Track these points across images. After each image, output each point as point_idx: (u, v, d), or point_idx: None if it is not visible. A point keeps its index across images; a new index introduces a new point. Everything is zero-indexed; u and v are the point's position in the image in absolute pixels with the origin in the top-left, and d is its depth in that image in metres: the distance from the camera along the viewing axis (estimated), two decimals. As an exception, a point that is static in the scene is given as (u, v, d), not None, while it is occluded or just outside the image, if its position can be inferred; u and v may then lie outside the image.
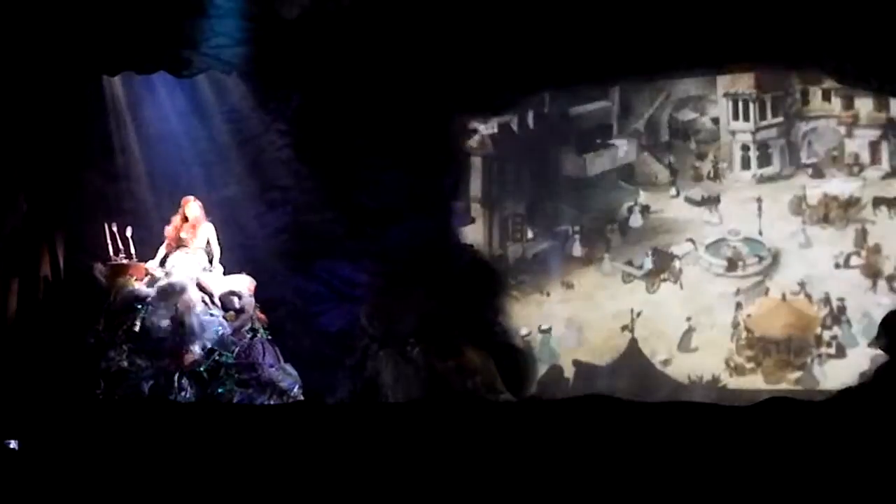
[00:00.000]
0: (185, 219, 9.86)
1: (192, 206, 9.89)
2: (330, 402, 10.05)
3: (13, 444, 6.02)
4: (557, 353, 10.82)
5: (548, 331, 10.87)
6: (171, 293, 9.50)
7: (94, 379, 9.19)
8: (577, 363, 10.78)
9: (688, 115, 10.77)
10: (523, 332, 10.91)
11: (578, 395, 10.16)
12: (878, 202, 10.06)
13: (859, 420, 5.46)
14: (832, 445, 5.22)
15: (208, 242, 9.93)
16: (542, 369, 10.81)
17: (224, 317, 9.69)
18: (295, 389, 9.58)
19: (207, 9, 9.75)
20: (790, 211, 10.35)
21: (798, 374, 10.09)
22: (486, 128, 11.13)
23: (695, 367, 10.43)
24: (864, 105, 10.13)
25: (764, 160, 10.50)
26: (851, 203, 10.13)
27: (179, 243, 9.85)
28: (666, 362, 10.51)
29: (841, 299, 10.04)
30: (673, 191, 10.78)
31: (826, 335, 10.08)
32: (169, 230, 9.91)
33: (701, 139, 10.75)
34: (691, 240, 10.66)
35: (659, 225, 10.78)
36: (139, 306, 9.49)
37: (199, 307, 9.53)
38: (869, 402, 6.25)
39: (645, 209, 10.85)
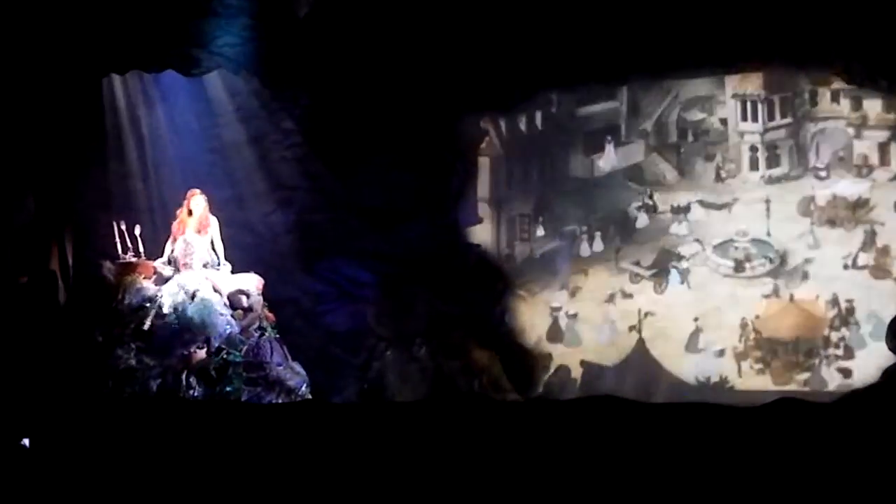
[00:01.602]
0: (190, 212, 9.88)
1: (198, 200, 9.90)
2: (337, 401, 10.06)
3: (25, 443, 6.03)
4: (581, 340, 10.81)
5: (574, 316, 10.87)
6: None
7: (103, 377, 9.22)
8: (584, 363, 10.77)
9: (696, 115, 10.75)
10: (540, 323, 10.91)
11: (585, 395, 10.22)
12: (887, 203, 10.06)
13: (868, 421, 5.45)
14: (841, 446, 5.21)
15: (211, 240, 9.96)
16: (556, 362, 10.78)
17: (232, 315, 9.71)
18: (302, 388, 9.60)
19: (216, 8, 9.77)
20: (798, 212, 10.34)
21: (806, 375, 10.08)
22: (493, 128, 11.10)
23: (702, 367, 10.43)
24: (873, 106, 10.11)
25: (773, 161, 10.49)
26: (860, 204, 10.12)
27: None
28: (673, 363, 10.50)
29: (849, 300, 10.02)
30: (680, 191, 10.77)
31: (834, 336, 10.07)
32: (174, 225, 9.94)
33: (709, 140, 10.73)
34: (699, 240, 10.65)
35: (666, 225, 10.77)
36: (147, 304, 9.52)
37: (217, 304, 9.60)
38: (877, 404, 6.23)
39: (652, 209, 10.84)
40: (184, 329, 9.43)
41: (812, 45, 9.68)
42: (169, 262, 9.87)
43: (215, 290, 9.73)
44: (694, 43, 9.93)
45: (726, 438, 5.38)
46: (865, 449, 5.11)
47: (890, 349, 9.24)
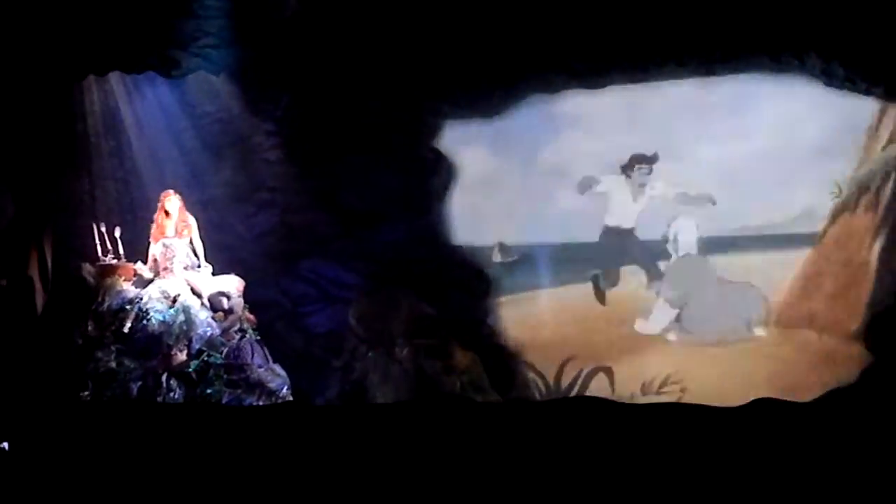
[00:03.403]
0: (167, 214, 9.87)
1: (173, 201, 9.90)
2: (318, 402, 10.06)
3: (4, 446, 6.00)
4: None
5: None
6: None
7: (83, 380, 9.18)
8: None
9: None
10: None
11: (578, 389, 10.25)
12: None
13: (846, 420, 5.50)
14: (819, 446, 5.26)
15: (191, 241, 9.94)
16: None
17: (213, 317, 9.70)
18: (283, 390, 9.59)
19: (196, 9, 9.74)
20: None
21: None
22: (474, 131, 11.07)
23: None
24: None
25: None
26: None
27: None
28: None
29: None
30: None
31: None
32: (153, 229, 9.92)
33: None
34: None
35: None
36: (128, 307, 9.50)
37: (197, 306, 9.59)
38: (855, 402, 6.29)
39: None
40: (164, 331, 9.41)
41: (790, 47, 9.72)
42: (154, 273, 9.85)
43: (195, 293, 9.72)
44: (673, 47, 9.96)
45: (706, 438, 5.42)
46: (843, 448, 5.16)
47: (867, 349, 9.32)
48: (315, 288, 10.97)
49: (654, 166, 10.47)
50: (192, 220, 9.94)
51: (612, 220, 10.64)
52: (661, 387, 10.24)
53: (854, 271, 10.01)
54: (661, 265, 10.58)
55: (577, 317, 10.71)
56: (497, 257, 10.81)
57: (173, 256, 9.81)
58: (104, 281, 9.71)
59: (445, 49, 10.23)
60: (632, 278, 10.67)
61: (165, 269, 9.78)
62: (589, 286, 10.68)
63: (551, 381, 10.60)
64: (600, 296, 10.64)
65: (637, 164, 10.49)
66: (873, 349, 9.50)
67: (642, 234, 10.61)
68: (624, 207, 10.62)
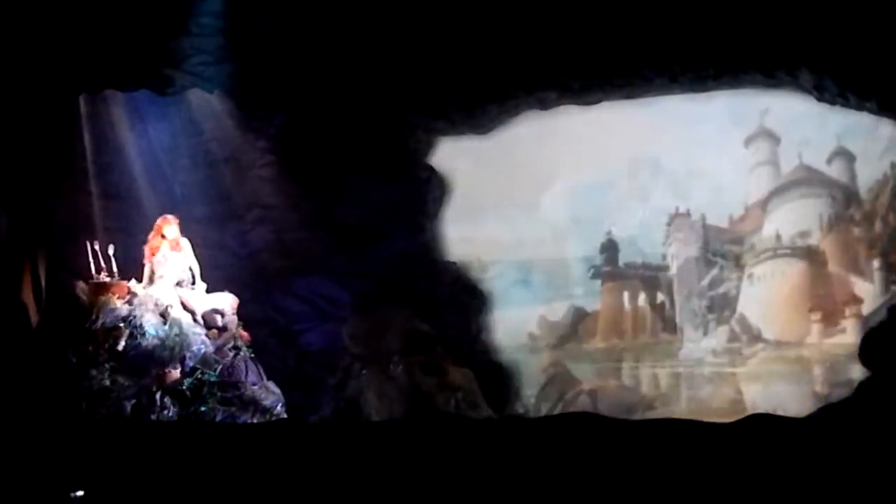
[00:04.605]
0: (163, 237, 9.86)
1: (171, 228, 9.89)
2: (313, 420, 10.03)
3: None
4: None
5: None
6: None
7: (77, 398, 9.14)
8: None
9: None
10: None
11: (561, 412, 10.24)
12: None
13: (841, 435, 5.50)
14: (813, 460, 5.25)
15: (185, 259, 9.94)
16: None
17: (207, 335, 9.68)
18: (278, 408, 9.56)
19: (190, 27, 9.76)
20: None
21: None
22: (468, 147, 11.10)
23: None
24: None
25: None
26: None
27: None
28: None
29: None
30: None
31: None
32: (147, 249, 9.91)
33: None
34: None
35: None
36: (121, 325, 9.48)
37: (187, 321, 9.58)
38: (850, 417, 6.29)
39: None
40: (158, 349, 9.39)
41: (782, 63, 9.74)
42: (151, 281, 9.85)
43: (187, 309, 9.70)
44: (666, 64, 9.99)
45: (701, 453, 5.41)
46: (838, 463, 5.15)
47: (863, 363, 9.32)
48: (309, 305, 10.97)
49: (654, 175, 10.52)
50: (185, 243, 9.93)
51: (615, 230, 10.69)
52: (647, 409, 10.20)
53: (850, 284, 10.00)
54: (661, 278, 10.59)
55: (563, 336, 10.72)
56: (476, 273, 10.83)
57: (167, 264, 9.79)
58: (98, 299, 9.67)
59: (440, 67, 10.26)
60: (622, 295, 10.68)
61: (160, 276, 9.77)
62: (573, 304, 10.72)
63: (532, 402, 10.57)
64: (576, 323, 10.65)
65: (639, 167, 10.57)
66: (868, 364, 9.49)
67: (644, 246, 10.63)
68: (625, 216, 10.67)
